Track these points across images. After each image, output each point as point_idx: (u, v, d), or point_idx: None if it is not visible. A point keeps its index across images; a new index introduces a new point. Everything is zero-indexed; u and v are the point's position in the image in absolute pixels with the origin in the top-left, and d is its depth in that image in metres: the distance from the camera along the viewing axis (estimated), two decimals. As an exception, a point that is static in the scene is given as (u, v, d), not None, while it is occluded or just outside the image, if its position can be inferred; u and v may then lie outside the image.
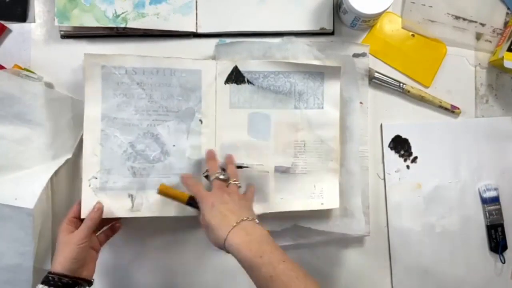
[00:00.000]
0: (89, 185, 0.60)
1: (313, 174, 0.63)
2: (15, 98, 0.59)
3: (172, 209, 0.61)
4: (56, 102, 0.62)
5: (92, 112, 0.60)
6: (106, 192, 0.60)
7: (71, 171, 0.66)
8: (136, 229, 0.66)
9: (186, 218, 0.61)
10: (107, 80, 0.60)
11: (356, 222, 0.63)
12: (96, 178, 0.60)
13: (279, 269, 0.46)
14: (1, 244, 0.59)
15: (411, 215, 0.67)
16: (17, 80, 0.60)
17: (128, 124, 0.61)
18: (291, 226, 0.63)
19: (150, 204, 0.61)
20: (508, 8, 0.68)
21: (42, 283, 0.52)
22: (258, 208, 0.62)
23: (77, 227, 0.57)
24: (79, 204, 0.59)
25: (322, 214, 0.64)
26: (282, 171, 0.64)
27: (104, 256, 0.66)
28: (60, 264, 0.53)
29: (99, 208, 0.58)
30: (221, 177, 0.57)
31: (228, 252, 0.50)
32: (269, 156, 0.63)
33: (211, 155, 0.62)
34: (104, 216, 0.59)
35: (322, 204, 0.63)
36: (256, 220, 0.52)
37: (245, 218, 0.51)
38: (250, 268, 0.48)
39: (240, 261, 0.49)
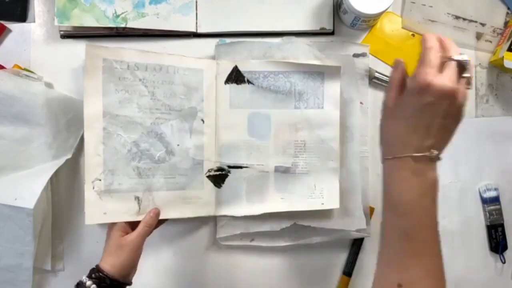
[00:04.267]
0: (93, 188, 0.57)
1: (313, 174, 0.63)
2: (15, 98, 0.59)
3: (179, 211, 0.61)
4: (56, 102, 0.62)
5: (92, 108, 0.57)
6: (111, 195, 0.57)
7: (71, 171, 0.66)
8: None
9: (186, 219, 0.62)
10: (108, 74, 0.58)
11: (357, 222, 0.63)
12: (100, 180, 0.57)
13: (421, 235, 0.39)
14: (1, 244, 0.59)
15: (411, 215, 0.67)
16: (17, 80, 0.60)
17: (131, 122, 0.59)
18: (291, 225, 0.63)
19: (157, 207, 0.60)
20: (508, 8, 0.68)
21: (90, 278, 0.51)
22: (258, 208, 0.63)
23: (130, 227, 0.57)
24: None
25: (322, 214, 0.64)
26: (282, 171, 0.64)
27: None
28: (114, 267, 0.53)
29: (156, 213, 0.58)
30: (463, 58, 0.39)
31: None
32: (269, 156, 0.63)
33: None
34: (110, 221, 0.57)
35: (322, 204, 0.63)
36: (437, 152, 0.39)
37: (428, 154, 0.39)
38: (388, 207, 0.40)
39: (384, 190, 0.41)
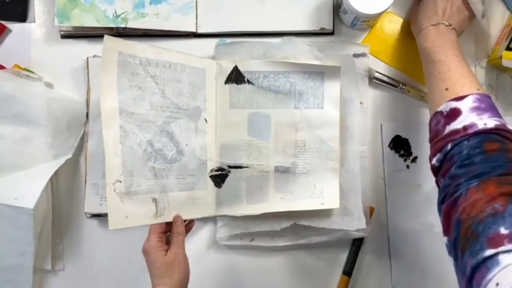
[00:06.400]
0: (114, 190, 0.54)
1: (313, 174, 0.63)
2: (15, 98, 0.59)
3: (193, 212, 0.60)
4: (56, 102, 0.62)
5: (109, 104, 0.54)
6: (131, 197, 0.55)
7: (71, 171, 0.66)
8: (134, 229, 0.66)
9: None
10: (122, 69, 0.56)
11: (357, 222, 0.63)
12: (120, 182, 0.54)
13: (449, 58, 0.53)
14: (1, 244, 0.59)
15: (411, 215, 0.67)
16: (17, 80, 0.60)
17: (145, 120, 0.57)
18: (291, 225, 0.63)
19: (171, 208, 0.58)
20: (508, 8, 0.68)
21: None
22: (258, 208, 0.63)
23: (165, 242, 0.55)
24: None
25: (322, 214, 0.64)
26: (282, 171, 0.64)
27: (103, 256, 0.67)
28: (172, 286, 0.52)
29: (181, 220, 0.57)
30: None
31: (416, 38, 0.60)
32: (269, 156, 0.63)
33: None
34: (131, 225, 0.54)
35: (322, 204, 0.63)
36: (453, 26, 0.57)
37: (445, 23, 0.57)
38: (425, 54, 0.56)
39: (420, 49, 0.58)
